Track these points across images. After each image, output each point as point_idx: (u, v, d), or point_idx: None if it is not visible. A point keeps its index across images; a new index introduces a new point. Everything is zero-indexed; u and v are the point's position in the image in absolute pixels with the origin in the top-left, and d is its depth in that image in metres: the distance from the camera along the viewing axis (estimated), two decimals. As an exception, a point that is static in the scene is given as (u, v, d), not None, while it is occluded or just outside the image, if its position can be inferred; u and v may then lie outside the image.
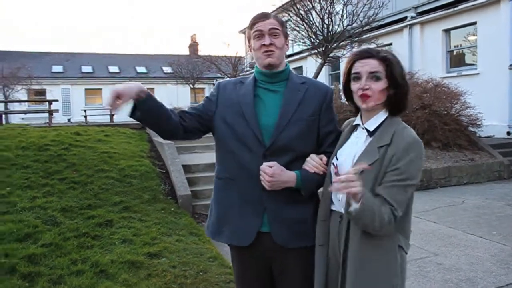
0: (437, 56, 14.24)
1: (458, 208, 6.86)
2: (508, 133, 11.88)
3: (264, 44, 1.98)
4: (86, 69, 35.87)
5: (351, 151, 1.87)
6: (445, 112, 9.85)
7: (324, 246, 1.94)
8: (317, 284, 1.96)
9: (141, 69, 37.63)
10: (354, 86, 1.85)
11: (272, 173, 1.86)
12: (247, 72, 29.29)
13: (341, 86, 2.02)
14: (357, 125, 1.95)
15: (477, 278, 4.16)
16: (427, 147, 9.18)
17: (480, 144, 10.07)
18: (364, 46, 12.86)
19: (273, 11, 16.34)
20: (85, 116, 19.76)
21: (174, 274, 3.98)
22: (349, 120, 2.07)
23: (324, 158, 1.96)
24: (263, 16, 2.02)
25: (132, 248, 4.48)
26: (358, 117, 1.96)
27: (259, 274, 2.11)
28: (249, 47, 2.09)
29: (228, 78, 2.19)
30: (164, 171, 7.64)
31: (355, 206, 1.64)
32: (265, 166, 1.88)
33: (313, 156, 1.97)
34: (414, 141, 1.78)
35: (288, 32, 2.08)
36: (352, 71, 1.87)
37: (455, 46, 14.29)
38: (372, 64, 1.81)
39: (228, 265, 4.19)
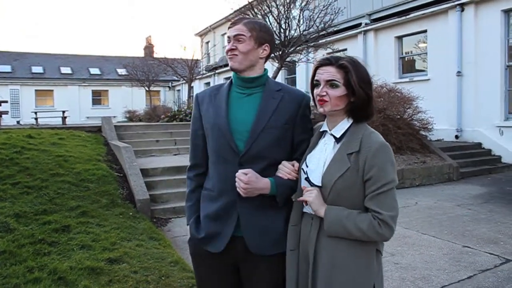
0: (390, 62, 14.69)
1: (412, 209, 7.10)
2: (457, 136, 12.39)
3: (228, 49, 2.03)
4: (37, 69, 34.68)
5: (321, 158, 1.90)
6: (399, 117, 10.16)
7: (295, 251, 1.96)
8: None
9: (94, 71, 36.77)
10: (314, 92, 1.91)
11: (248, 180, 1.89)
12: (204, 75, 29.18)
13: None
14: (325, 131, 1.97)
15: (431, 275, 4.33)
16: (381, 151, 9.43)
17: (431, 147, 10.45)
18: (320, 51, 13.14)
19: (230, 15, 16.45)
20: (36, 118, 19.12)
21: (135, 279, 3.93)
22: (318, 124, 2.09)
23: (296, 164, 1.99)
24: (233, 22, 2.04)
25: (92, 254, 4.38)
26: (325, 123, 1.98)
27: (226, 279, 2.10)
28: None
29: (204, 89, 2.20)
30: (121, 175, 7.52)
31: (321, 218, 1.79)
32: (240, 173, 1.91)
33: (285, 163, 2.00)
34: (381, 145, 1.81)
35: None
36: (314, 78, 1.92)
37: (406, 53, 14.79)
38: (330, 72, 1.85)
39: (190, 269, 4.17)
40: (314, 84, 1.92)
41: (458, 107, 12.37)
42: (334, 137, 1.90)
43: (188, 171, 2.22)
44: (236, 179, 1.92)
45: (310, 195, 1.85)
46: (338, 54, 2.11)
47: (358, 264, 1.82)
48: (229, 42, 2.04)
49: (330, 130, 1.93)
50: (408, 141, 9.90)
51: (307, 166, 1.93)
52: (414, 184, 9.08)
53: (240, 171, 1.92)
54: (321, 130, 2.00)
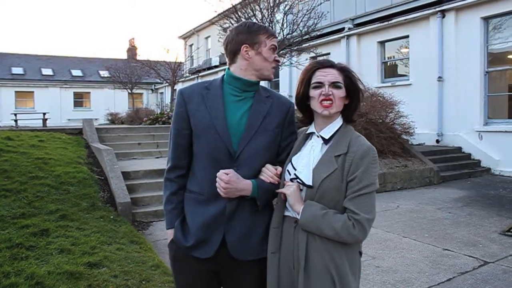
0: (373, 66, 14.81)
1: (393, 213, 7.16)
2: (438, 141, 12.54)
3: (277, 60, 2.06)
4: (17, 70, 34.20)
5: (309, 160, 1.91)
6: (381, 121, 10.25)
7: (276, 254, 1.96)
8: None
9: (76, 72, 36.41)
10: (315, 92, 1.92)
11: (228, 180, 1.87)
12: (187, 78, 29.07)
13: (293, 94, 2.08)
14: (312, 133, 2.00)
15: (412, 278, 4.36)
16: (364, 154, 9.49)
17: (412, 151, 10.56)
18: (304, 55, 13.20)
19: (214, 18, 16.41)
20: (16, 120, 18.83)
21: (115, 284, 3.87)
22: (301, 129, 2.12)
23: (279, 168, 1.99)
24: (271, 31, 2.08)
25: (71, 258, 4.30)
26: (312, 126, 2.01)
27: (209, 285, 2.08)
28: (255, 51, 2.01)
29: (189, 85, 2.13)
30: (102, 177, 7.43)
31: (297, 214, 1.83)
32: (221, 173, 1.89)
33: (268, 166, 2.00)
34: (368, 148, 1.87)
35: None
36: (313, 80, 1.94)
37: (389, 58, 14.94)
38: (333, 74, 1.91)
39: (171, 273, 4.12)
40: (314, 86, 1.93)
41: (439, 112, 12.52)
42: (323, 138, 1.93)
43: (167, 172, 2.13)
44: (217, 178, 1.90)
45: (289, 189, 1.89)
46: (320, 58, 2.12)
47: (349, 265, 1.87)
48: (272, 50, 2.05)
49: (318, 132, 1.96)
50: (390, 145, 9.99)
51: (294, 168, 1.94)
52: (396, 187, 9.15)
53: (221, 171, 1.90)
54: (307, 132, 2.03)
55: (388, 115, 10.49)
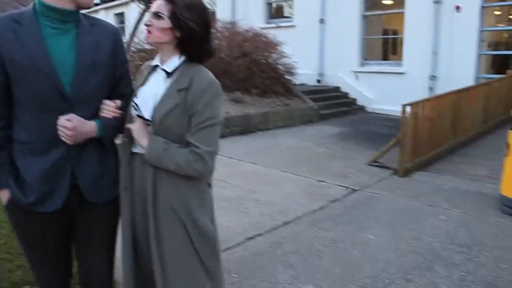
0: (258, 7, 14.78)
1: (274, 150, 7.42)
2: (318, 81, 13.08)
3: None
4: None
5: (151, 92, 1.87)
6: (264, 61, 10.37)
7: (127, 190, 1.93)
8: (124, 228, 1.96)
9: None
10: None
11: (73, 126, 1.72)
12: None
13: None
14: (156, 66, 1.94)
15: (288, 209, 4.59)
16: (246, 94, 9.63)
17: (294, 91, 10.92)
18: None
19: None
20: None
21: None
22: (148, 62, 2.05)
23: (118, 101, 1.89)
24: None
25: None
26: (157, 58, 1.94)
27: (62, 238, 1.95)
28: None
29: None
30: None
31: (141, 148, 1.82)
32: (64, 121, 1.72)
33: (106, 101, 1.86)
34: (210, 82, 1.83)
35: None
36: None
37: (273, -1, 15.00)
38: (157, 5, 1.84)
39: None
40: None
41: (320, 53, 12.99)
42: (166, 72, 1.88)
43: None
44: (59, 127, 1.72)
45: (134, 124, 1.86)
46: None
47: (198, 198, 1.90)
48: None
49: (161, 65, 1.90)
50: (272, 84, 10.20)
51: (138, 102, 1.87)
52: (278, 126, 9.42)
53: (62, 118, 1.72)
54: (152, 64, 1.96)
55: (271, 56, 10.62)
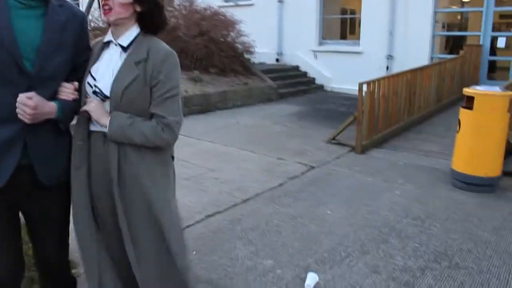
0: (216, -16, 14.54)
1: (233, 129, 7.38)
2: (277, 60, 13.07)
3: None
4: None
5: (108, 68, 1.83)
6: (222, 40, 10.26)
7: (82, 168, 1.88)
8: (79, 208, 1.92)
9: None
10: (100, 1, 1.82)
11: (35, 105, 1.65)
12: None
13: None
14: (109, 42, 1.89)
15: (247, 186, 4.60)
16: (205, 73, 9.52)
17: (253, 69, 10.87)
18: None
19: None
20: None
21: None
22: (97, 39, 2.00)
23: (76, 83, 1.85)
24: None
25: None
26: (109, 34, 1.90)
27: (7, 220, 1.86)
28: None
29: None
30: None
31: (105, 130, 1.79)
32: (25, 99, 1.64)
33: (65, 84, 1.82)
34: (168, 53, 1.84)
35: None
36: None
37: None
38: None
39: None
40: None
41: (279, 32, 12.95)
42: (121, 46, 1.85)
43: None
44: (19, 104, 1.65)
45: (90, 105, 1.82)
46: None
47: (162, 170, 1.92)
48: None
49: (115, 40, 1.87)
50: (231, 63, 10.12)
51: (94, 79, 1.83)
52: (236, 105, 9.37)
53: (23, 95, 1.65)
54: (105, 41, 1.91)
55: (229, 34, 10.51)
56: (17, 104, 1.65)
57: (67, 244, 2.07)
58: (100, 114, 1.80)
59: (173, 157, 2.01)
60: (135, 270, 1.89)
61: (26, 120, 1.67)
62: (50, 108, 1.74)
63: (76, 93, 1.84)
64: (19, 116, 1.66)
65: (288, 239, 3.45)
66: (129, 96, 1.78)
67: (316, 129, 7.35)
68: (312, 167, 5.27)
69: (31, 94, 1.66)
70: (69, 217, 2.00)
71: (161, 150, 1.89)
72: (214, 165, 5.31)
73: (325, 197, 4.32)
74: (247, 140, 6.52)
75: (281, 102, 10.19)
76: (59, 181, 1.88)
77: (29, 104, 1.64)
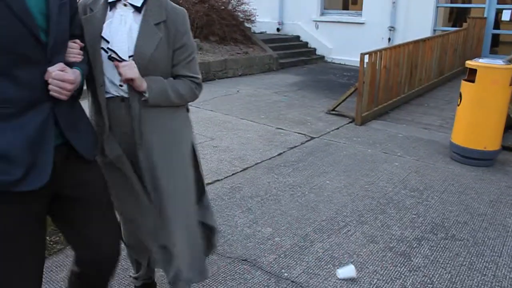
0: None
1: (233, 97, 7.35)
2: (278, 29, 12.90)
3: None
4: None
5: (123, 32, 1.73)
6: (223, 8, 10.11)
7: (112, 136, 1.85)
8: (132, 177, 1.90)
9: None
10: None
11: (74, 78, 1.48)
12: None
13: None
14: (114, 2, 1.76)
15: (246, 155, 4.61)
16: (205, 41, 9.42)
17: (253, 39, 10.74)
18: None
19: None
20: None
21: None
22: None
23: (78, 41, 1.67)
24: None
25: None
26: None
27: (33, 228, 1.55)
28: None
29: None
30: None
31: (145, 95, 1.76)
32: (62, 73, 1.44)
33: (71, 44, 1.62)
34: (184, 13, 1.87)
35: None
36: None
37: None
38: None
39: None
40: None
41: (280, 1, 12.73)
42: (134, 6, 1.76)
43: None
44: (54, 81, 1.43)
45: (133, 72, 1.70)
46: None
47: (183, 121, 2.00)
48: None
49: (125, 0, 1.76)
50: (231, 32, 10.00)
51: (107, 42, 1.73)
52: (237, 74, 9.32)
53: (56, 70, 1.44)
54: (109, 0, 1.77)
55: (230, 2, 10.36)
56: (50, 81, 1.44)
57: (118, 223, 1.92)
58: (142, 80, 1.74)
59: (188, 110, 2.06)
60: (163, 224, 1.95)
61: (63, 97, 1.47)
62: (77, 76, 1.54)
63: (81, 52, 1.67)
64: (54, 94, 1.45)
65: (287, 208, 3.48)
66: (154, 60, 1.76)
67: (316, 99, 7.32)
68: (312, 137, 5.28)
69: (61, 65, 1.48)
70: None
71: (182, 107, 1.97)
72: (214, 133, 5.31)
73: (324, 167, 4.34)
74: (247, 110, 6.50)
75: (282, 72, 10.12)
76: (93, 152, 1.72)
77: (67, 78, 1.45)
